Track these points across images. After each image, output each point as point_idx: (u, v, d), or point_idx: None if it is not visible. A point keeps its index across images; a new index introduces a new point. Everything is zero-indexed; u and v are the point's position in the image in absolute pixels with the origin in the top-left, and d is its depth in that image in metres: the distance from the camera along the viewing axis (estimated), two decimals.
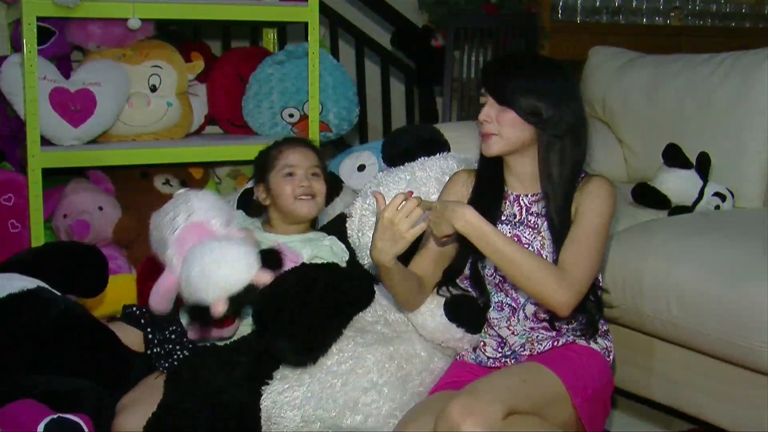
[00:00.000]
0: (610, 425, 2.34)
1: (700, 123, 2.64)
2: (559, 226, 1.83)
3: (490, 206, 1.90)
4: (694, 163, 2.49)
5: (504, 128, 1.82)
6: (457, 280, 1.96)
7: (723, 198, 2.48)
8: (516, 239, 1.87)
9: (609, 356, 1.89)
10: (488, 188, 1.93)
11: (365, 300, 2.07)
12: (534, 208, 1.89)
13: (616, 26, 4.68)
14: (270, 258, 1.86)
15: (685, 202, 2.49)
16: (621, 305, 2.15)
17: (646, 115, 2.84)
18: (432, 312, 1.92)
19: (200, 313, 1.82)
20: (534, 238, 1.87)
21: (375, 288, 2.10)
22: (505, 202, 1.93)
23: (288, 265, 1.99)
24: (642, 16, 4.79)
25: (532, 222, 1.89)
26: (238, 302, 1.82)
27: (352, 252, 2.14)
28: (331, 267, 2.02)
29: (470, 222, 1.73)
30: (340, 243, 2.13)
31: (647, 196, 2.51)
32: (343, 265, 2.09)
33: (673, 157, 2.51)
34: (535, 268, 1.74)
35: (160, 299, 1.91)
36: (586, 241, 1.80)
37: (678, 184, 2.50)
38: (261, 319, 1.89)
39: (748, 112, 2.54)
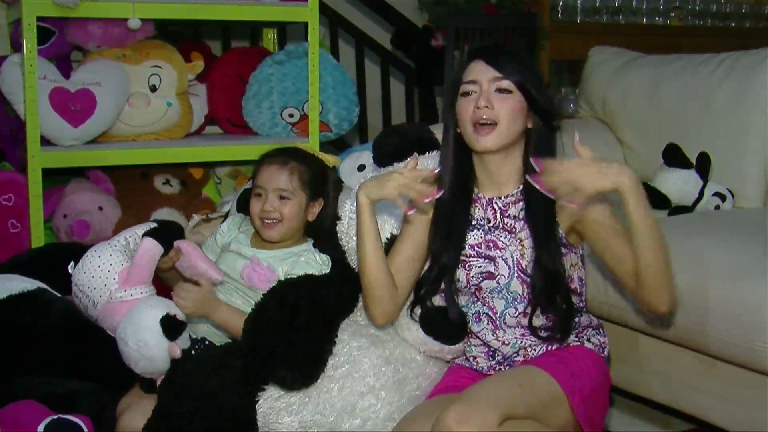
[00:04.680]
0: (609, 425, 2.34)
1: (700, 123, 2.64)
2: (542, 229, 1.79)
3: (459, 211, 1.86)
4: (694, 163, 2.49)
5: (504, 117, 1.77)
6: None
7: (723, 198, 2.48)
8: (492, 245, 1.83)
9: (603, 352, 1.88)
10: (456, 192, 1.86)
11: (349, 304, 2.05)
12: (511, 210, 1.85)
13: (616, 26, 4.68)
14: (171, 329, 1.89)
15: (685, 202, 2.49)
16: (621, 305, 2.14)
17: (646, 115, 2.84)
18: (408, 325, 1.92)
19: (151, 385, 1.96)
20: (511, 242, 1.82)
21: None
22: (476, 206, 1.88)
23: (263, 284, 2.00)
24: (642, 16, 4.79)
25: (509, 225, 1.84)
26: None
27: (342, 254, 2.13)
28: (308, 280, 1.99)
29: (634, 178, 1.63)
30: (316, 256, 2.07)
31: (647, 196, 2.50)
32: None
33: (673, 157, 2.51)
34: (664, 256, 1.69)
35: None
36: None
37: (678, 184, 2.50)
38: (256, 355, 1.88)
39: (748, 112, 2.54)
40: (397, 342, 1.95)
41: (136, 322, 1.88)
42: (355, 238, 2.05)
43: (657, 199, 2.49)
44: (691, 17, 4.90)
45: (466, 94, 1.81)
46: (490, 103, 1.77)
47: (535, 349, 1.84)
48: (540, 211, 1.79)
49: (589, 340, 1.86)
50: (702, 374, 2.04)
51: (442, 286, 1.87)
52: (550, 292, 1.79)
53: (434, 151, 2.18)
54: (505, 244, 1.83)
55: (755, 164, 2.53)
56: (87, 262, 1.98)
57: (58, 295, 2.05)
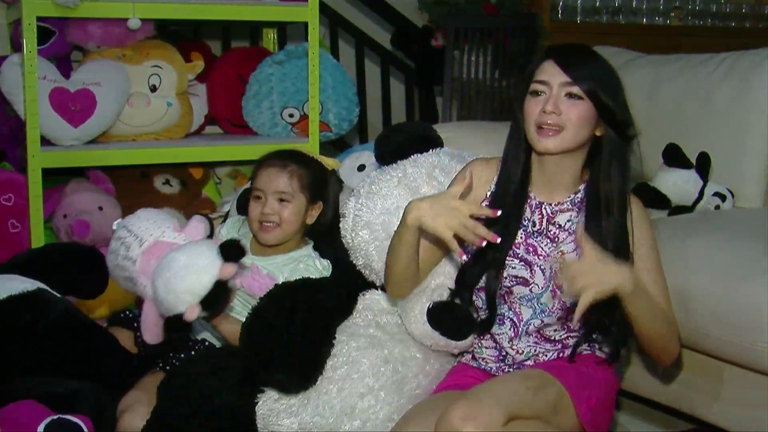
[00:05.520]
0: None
1: (700, 123, 2.64)
2: (614, 248, 1.71)
3: (512, 210, 1.80)
4: (694, 163, 2.49)
5: (571, 123, 1.71)
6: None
7: (723, 198, 2.47)
8: (531, 249, 1.80)
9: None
10: (513, 189, 1.80)
11: (347, 307, 2.04)
12: (558, 219, 1.80)
13: (616, 26, 4.68)
14: (229, 250, 1.84)
15: (685, 202, 2.49)
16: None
17: (646, 115, 2.83)
18: (416, 319, 1.91)
19: (177, 325, 1.83)
20: (551, 251, 1.78)
21: (364, 293, 2.08)
22: (525, 207, 1.83)
23: (263, 293, 1.98)
24: (642, 16, 4.79)
25: (552, 233, 1.80)
26: (212, 302, 1.82)
27: (344, 252, 2.13)
28: (306, 284, 1.99)
29: (634, 282, 1.64)
30: (317, 262, 2.07)
31: (647, 196, 2.50)
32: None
33: (673, 157, 2.51)
34: (666, 325, 1.75)
35: (149, 331, 1.91)
36: (662, 280, 1.80)
37: (678, 184, 2.50)
38: (253, 359, 1.88)
39: (748, 112, 2.54)
40: (396, 341, 1.95)
41: (194, 244, 1.85)
42: (361, 233, 2.05)
43: (657, 199, 2.49)
44: (691, 17, 4.91)
45: (535, 93, 1.75)
46: (558, 108, 1.71)
47: (546, 355, 1.83)
48: (617, 231, 1.74)
49: (600, 348, 1.86)
50: (702, 374, 2.04)
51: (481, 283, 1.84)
52: (607, 312, 1.74)
53: (437, 149, 2.19)
54: (546, 253, 1.79)
55: (755, 164, 2.53)
56: (144, 211, 1.97)
57: (58, 295, 2.04)
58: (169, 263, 1.82)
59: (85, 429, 1.75)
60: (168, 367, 2.03)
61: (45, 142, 2.50)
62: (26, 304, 1.96)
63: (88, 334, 2.00)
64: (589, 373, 1.78)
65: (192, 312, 1.79)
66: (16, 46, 2.68)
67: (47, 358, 1.94)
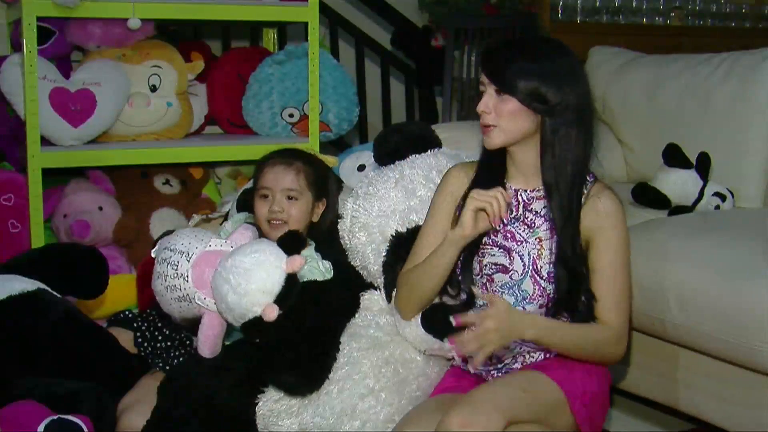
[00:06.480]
0: (609, 425, 2.34)
1: (700, 123, 2.64)
2: (562, 226, 1.76)
3: None
4: (694, 163, 2.49)
5: (503, 119, 1.76)
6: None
7: (723, 198, 2.47)
8: (509, 236, 1.82)
9: None
10: (489, 181, 1.83)
11: (352, 308, 2.04)
12: (534, 205, 1.83)
13: (616, 26, 4.69)
14: (290, 242, 1.84)
15: (685, 202, 2.49)
16: None
17: (646, 115, 2.84)
18: (409, 324, 1.91)
19: (257, 328, 1.82)
20: (529, 237, 1.81)
21: (364, 293, 2.08)
22: None
23: None
24: (642, 16, 4.80)
25: (529, 219, 1.82)
26: (286, 297, 1.82)
27: (343, 253, 2.13)
28: (312, 286, 1.97)
29: (541, 327, 1.72)
30: (320, 263, 2.04)
31: (647, 196, 2.51)
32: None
33: (673, 157, 2.51)
34: (591, 345, 1.77)
35: (210, 344, 1.90)
36: (622, 281, 1.79)
37: (678, 184, 2.50)
38: (261, 361, 1.87)
39: (748, 112, 2.54)
40: (396, 343, 1.95)
41: (251, 244, 1.85)
42: (358, 235, 2.06)
43: (657, 199, 2.49)
44: (691, 17, 4.91)
45: (480, 93, 1.81)
46: (488, 107, 1.77)
47: (533, 355, 1.83)
48: (563, 210, 1.78)
49: None
50: (702, 374, 2.04)
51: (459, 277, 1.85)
52: (573, 291, 1.77)
53: (435, 150, 2.19)
54: (523, 238, 1.81)
55: (755, 164, 2.53)
56: (181, 230, 1.98)
57: (58, 295, 2.05)
58: (233, 268, 1.80)
59: (85, 429, 1.75)
60: (168, 367, 2.03)
61: (45, 142, 2.50)
62: (26, 305, 1.96)
63: (88, 334, 2.00)
64: (581, 370, 1.78)
65: (271, 311, 1.79)
66: (16, 46, 2.69)
67: (47, 359, 1.94)
